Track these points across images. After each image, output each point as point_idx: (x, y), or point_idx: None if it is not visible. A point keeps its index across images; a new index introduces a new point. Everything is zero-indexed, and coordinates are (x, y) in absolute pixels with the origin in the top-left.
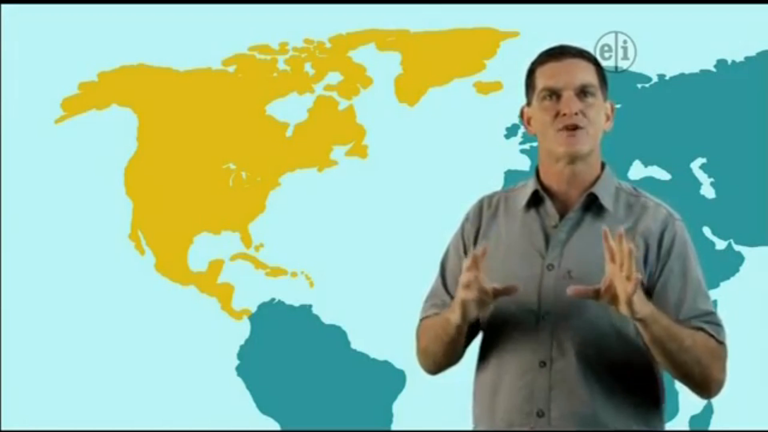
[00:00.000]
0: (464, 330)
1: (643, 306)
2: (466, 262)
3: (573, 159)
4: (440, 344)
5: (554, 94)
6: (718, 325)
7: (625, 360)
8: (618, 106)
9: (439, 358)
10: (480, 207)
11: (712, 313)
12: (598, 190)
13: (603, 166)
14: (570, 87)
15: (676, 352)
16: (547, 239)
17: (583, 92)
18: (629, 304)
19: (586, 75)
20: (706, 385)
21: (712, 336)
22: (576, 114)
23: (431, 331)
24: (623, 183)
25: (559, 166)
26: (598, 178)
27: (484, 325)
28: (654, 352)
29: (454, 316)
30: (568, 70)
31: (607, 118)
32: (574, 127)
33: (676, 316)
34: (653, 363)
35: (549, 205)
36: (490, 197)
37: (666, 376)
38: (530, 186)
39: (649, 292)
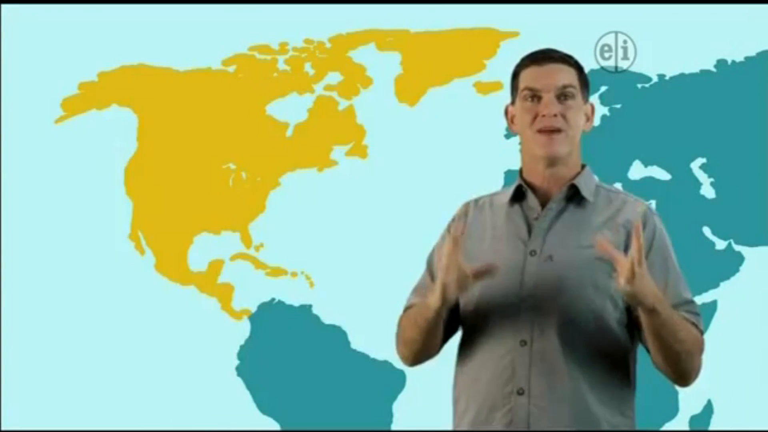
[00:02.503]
0: (442, 315)
1: (647, 293)
2: (447, 245)
3: (552, 161)
4: (418, 330)
5: (535, 96)
6: (698, 314)
7: (602, 343)
8: (617, 106)
9: (417, 346)
10: (466, 209)
11: (693, 302)
12: (579, 182)
13: (583, 167)
14: (550, 89)
15: (672, 343)
16: (530, 229)
17: (563, 95)
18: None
19: (567, 77)
20: (687, 374)
21: (695, 325)
22: (555, 116)
23: (411, 318)
24: (604, 184)
25: (540, 168)
26: (578, 174)
27: (465, 315)
28: (648, 338)
29: (433, 298)
30: (549, 74)
31: (587, 119)
32: (553, 130)
33: None
34: (628, 349)
35: (531, 198)
36: (476, 200)
37: (647, 367)
38: (514, 185)
39: None
